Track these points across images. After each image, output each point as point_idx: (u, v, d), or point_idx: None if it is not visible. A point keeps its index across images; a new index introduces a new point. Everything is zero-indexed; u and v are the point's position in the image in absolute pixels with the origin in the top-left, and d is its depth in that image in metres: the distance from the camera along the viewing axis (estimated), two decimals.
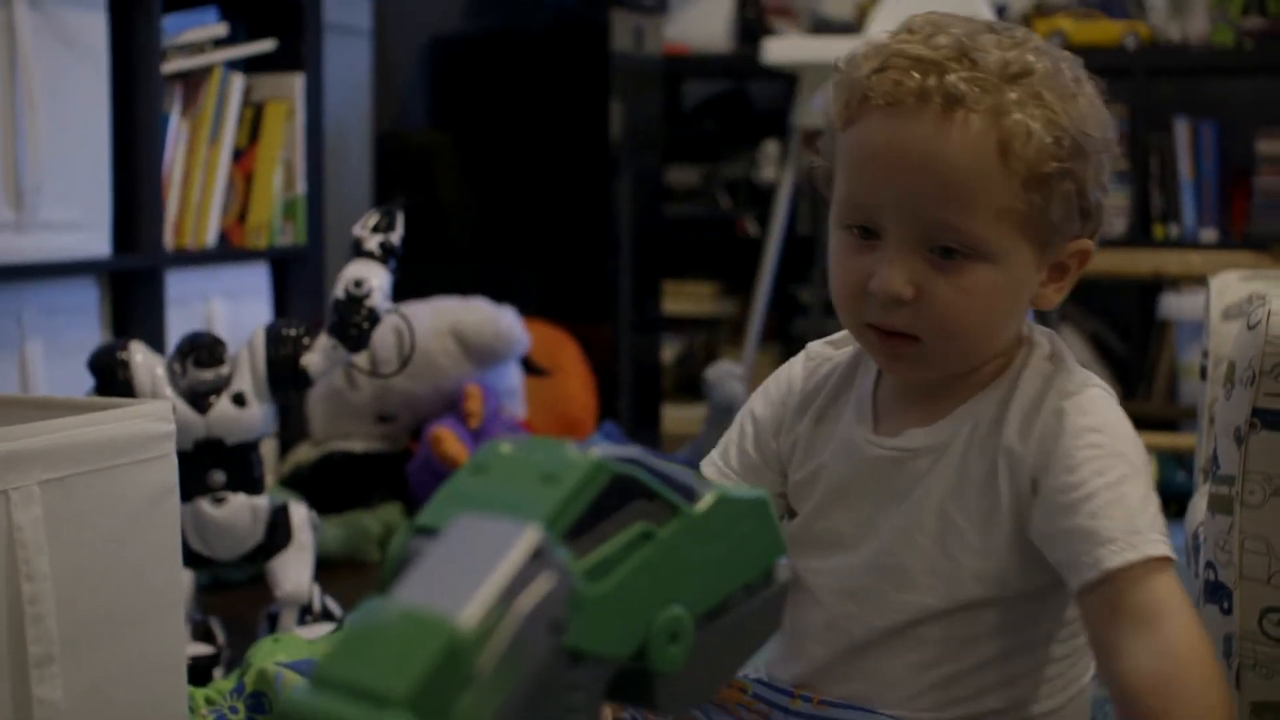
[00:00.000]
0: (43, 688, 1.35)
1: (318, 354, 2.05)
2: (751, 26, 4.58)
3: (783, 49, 3.81)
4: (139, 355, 2.01)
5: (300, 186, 3.06)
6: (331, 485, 2.89)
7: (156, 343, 2.57)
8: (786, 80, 4.04)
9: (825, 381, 1.37)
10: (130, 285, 2.69)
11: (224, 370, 2.02)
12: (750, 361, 3.80)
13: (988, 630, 1.29)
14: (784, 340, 4.63)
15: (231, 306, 2.95)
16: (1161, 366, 4.22)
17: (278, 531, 2.07)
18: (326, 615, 2.08)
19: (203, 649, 1.99)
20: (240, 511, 2.03)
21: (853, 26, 4.30)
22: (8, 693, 1.33)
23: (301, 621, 2.05)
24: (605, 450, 0.75)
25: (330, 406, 3.00)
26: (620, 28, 3.71)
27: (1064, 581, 1.26)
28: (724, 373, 3.23)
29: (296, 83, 3.04)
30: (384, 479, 2.91)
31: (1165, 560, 1.20)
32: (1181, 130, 4.20)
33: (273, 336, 2.06)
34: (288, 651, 1.69)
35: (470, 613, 0.62)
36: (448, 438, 2.79)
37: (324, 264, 3.16)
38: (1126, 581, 1.20)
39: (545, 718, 0.73)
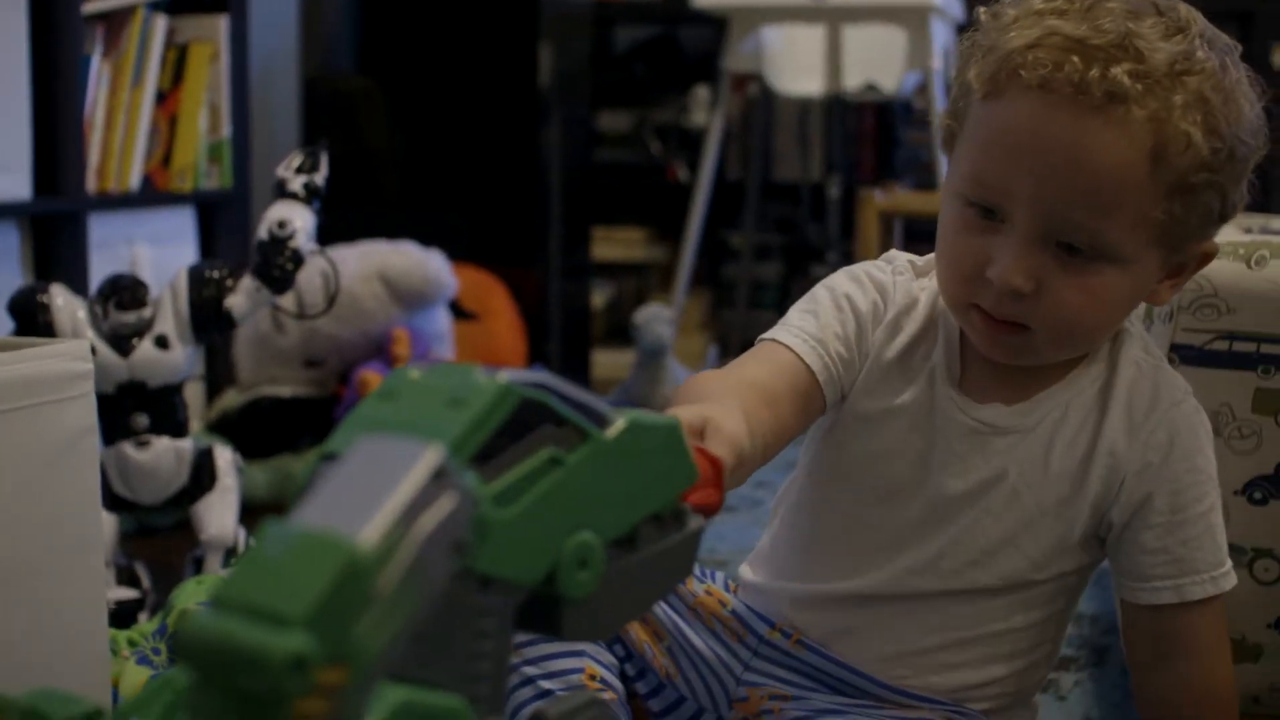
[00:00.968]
0: None
1: (241, 296, 2.03)
2: None
3: None
4: (60, 298, 1.98)
5: (226, 129, 3.03)
6: (259, 430, 2.87)
7: (80, 287, 2.54)
8: (716, 24, 4.02)
9: (910, 311, 1.30)
10: (52, 229, 2.66)
11: (146, 313, 2.00)
12: (680, 306, 3.81)
13: (1004, 608, 1.31)
14: (714, 285, 4.63)
15: (157, 250, 2.92)
16: None
17: (202, 475, 2.06)
18: None
19: (127, 593, 1.97)
20: (164, 455, 2.01)
21: None
22: None
23: (226, 565, 2.04)
24: (513, 375, 0.75)
25: (257, 351, 2.98)
26: None
27: (1115, 580, 1.30)
28: (652, 316, 3.23)
29: (221, 24, 3.00)
30: (312, 424, 2.89)
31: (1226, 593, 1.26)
32: None
33: (195, 278, 2.04)
34: (211, 593, 1.68)
35: (369, 533, 0.62)
36: (375, 381, 2.78)
37: (251, 208, 3.13)
38: (1192, 610, 1.26)
39: (455, 643, 0.73)
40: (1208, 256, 1.25)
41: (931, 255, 1.33)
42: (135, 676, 1.55)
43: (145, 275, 2.38)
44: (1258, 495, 1.54)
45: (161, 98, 2.92)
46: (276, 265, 2.02)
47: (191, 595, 1.67)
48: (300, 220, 2.04)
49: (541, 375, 0.77)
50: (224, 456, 2.08)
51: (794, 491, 1.36)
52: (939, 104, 3.60)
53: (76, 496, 1.47)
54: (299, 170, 2.08)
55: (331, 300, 2.28)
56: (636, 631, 1.35)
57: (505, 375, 0.74)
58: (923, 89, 3.74)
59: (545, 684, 1.27)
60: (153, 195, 2.92)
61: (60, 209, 2.65)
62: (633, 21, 4.79)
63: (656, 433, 0.82)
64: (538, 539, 0.75)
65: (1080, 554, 1.30)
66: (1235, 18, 3.95)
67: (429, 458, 0.66)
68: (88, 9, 2.69)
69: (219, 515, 2.04)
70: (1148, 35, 1.14)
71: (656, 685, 1.35)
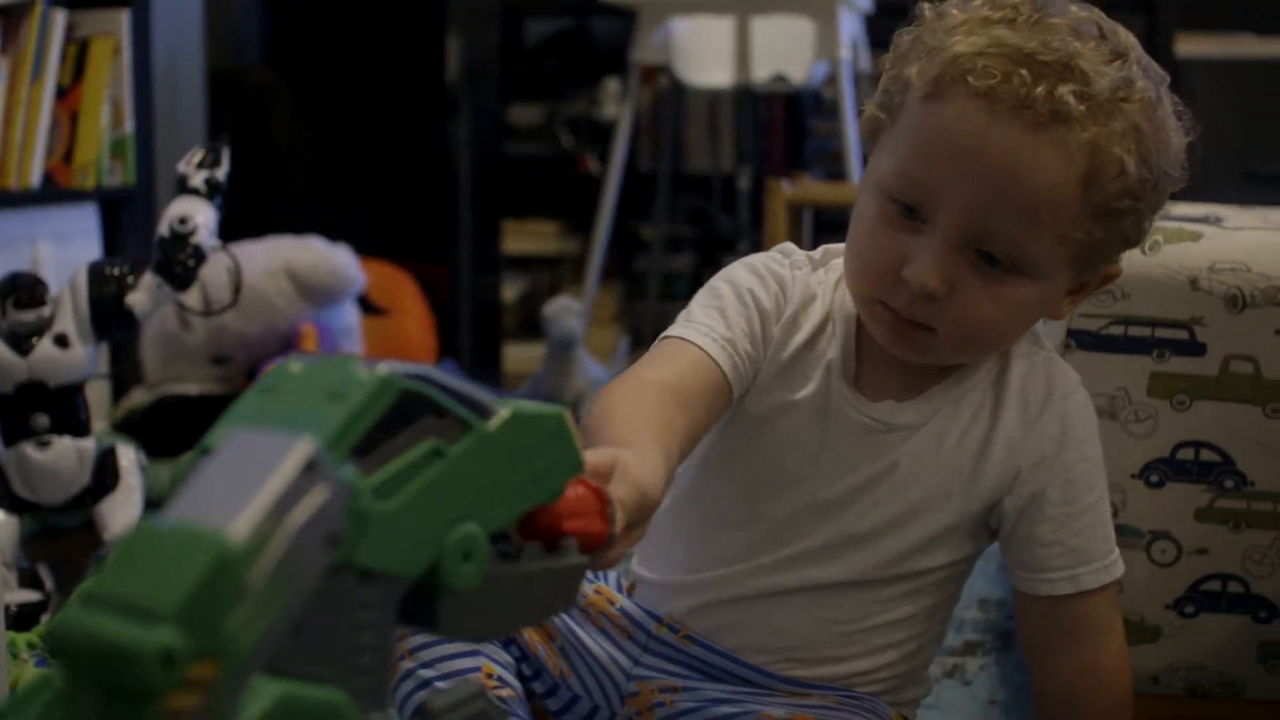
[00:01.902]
0: None
1: (143, 293, 2.02)
2: None
3: None
4: None
5: (129, 125, 3.00)
6: (166, 428, 2.85)
7: None
8: (627, 16, 4.02)
9: (808, 307, 1.29)
10: None
11: (45, 311, 1.98)
12: (591, 299, 3.81)
13: (891, 599, 1.32)
14: (626, 277, 4.64)
15: (60, 248, 2.89)
16: None
17: (105, 474, 2.04)
18: None
19: (29, 595, 1.95)
20: (66, 455, 1.99)
21: None
22: None
23: None
24: (394, 367, 0.74)
25: (163, 349, 2.95)
26: None
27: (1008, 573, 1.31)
28: (562, 308, 3.23)
29: (123, 19, 2.97)
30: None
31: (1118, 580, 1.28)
32: None
33: (95, 276, 2.02)
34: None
35: (239, 526, 0.62)
36: None
37: (155, 204, 3.10)
38: (1086, 598, 1.28)
39: (336, 636, 0.73)
40: (1110, 277, 1.27)
41: (828, 248, 1.34)
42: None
43: (48, 274, 2.35)
44: (1154, 478, 1.56)
45: (62, 93, 2.88)
46: (178, 262, 2.00)
47: None
48: (202, 216, 2.03)
49: (422, 367, 0.77)
50: (127, 456, 2.06)
51: (683, 484, 1.36)
52: (848, 94, 3.62)
53: None
54: (200, 165, 2.06)
55: (236, 293, 2.26)
56: (530, 633, 1.36)
57: (385, 367, 0.74)
58: (831, 79, 3.75)
59: (441, 685, 1.27)
60: (54, 192, 2.88)
61: None
62: (543, 14, 4.78)
63: (541, 423, 0.82)
64: (420, 531, 0.74)
65: (967, 545, 1.31)
66: (1138, 8, 4.00)
67: (300, 450, 0.66)
68: None
69: (123, 514, 2.02)
70: (1091, 58, 1.14)
71: (552, 685, 1.36)
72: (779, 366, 1.28)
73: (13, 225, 2.77)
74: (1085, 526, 1.27)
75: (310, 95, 3.70)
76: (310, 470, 0.66)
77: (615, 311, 4.60)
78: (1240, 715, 1.62)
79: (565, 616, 1.37)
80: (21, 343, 1.96)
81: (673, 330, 1.26)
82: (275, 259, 2.91)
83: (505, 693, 1.30)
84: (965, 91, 1.14)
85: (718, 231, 4.49)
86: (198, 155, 2.08)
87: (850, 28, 3.70)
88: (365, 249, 3.17)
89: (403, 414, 0.75)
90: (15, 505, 1.95)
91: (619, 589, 1.40)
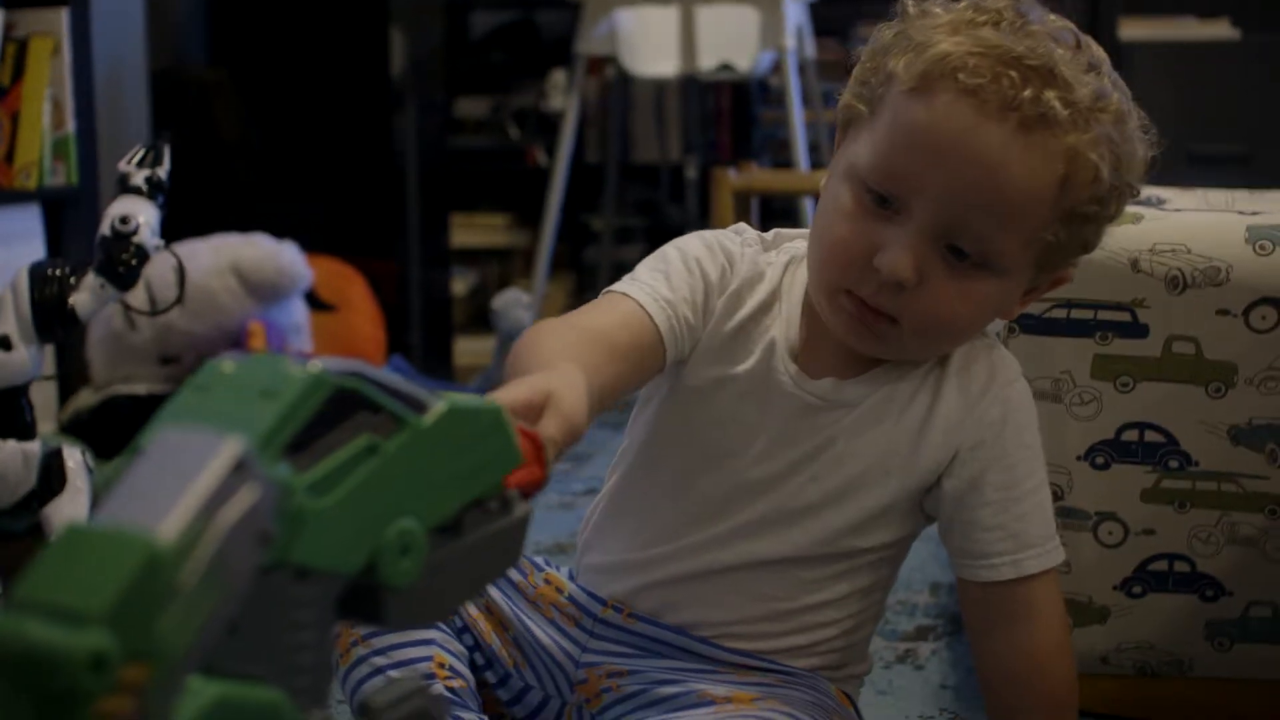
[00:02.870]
0: None
1: (86, 293, 2.00)
2: None
3: None
4: None
5: (70, 125, 2.97)
6: (114, 429, 2.82)
7: None
8: (573, 8, 4.02)
9: (755, 285, 1.30)
10: None
11: None
12: (541, 291, 3.80)
13: (827, 578, 1.33)
14: (577, 269, 4.63)
15: (2, 250, 2.86)
16: None
17: (51, 477, 2.02)
18: None
19: None
20: (10, 458, 1.97)
21: None
22: None
23: None
24: (327, 364, 0.74)
25: (111, 350, 2.93)
26: None
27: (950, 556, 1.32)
28: (511, 301, 3.22)
29: (62, 18, 2.94)
30: None
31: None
32: None
33: (37, 277, 2.00)
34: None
35: (168, 527, 0.61)
36: None
37: (99, 204, 3.07)
38: (1028, 582, 1.29)
39: (273, 635, 0.72)
40: (1060, 281, 1.29)
41: (779, 231, 1.35)
42: None
43: None
44: (1099, 460, 1.57)
45: (1, 94, 2.86)
46: (120, 261, 1.99)
47: None
48: (144, 215, 2.01)
49: (356, 363, 0.76)
50: (74, 457, 2.05)
51: (625, 462, 1.37)
52: (794, 83, 3.62)
53: None
54: (141, 164, 2.04)
55: (181, 291, 2.24)
56: (483, 622, 1.36)
57: (318, 364, 0.74)
58: (777, 68, 3.75)
59: (394, 674, 1.27)
60: None
61: None
62: (489, 6, 4.76)
63: (477, 417, 0.81)
64: (356, 528, 0.74)
65: (903, 526, 1.32)
66: None
67: (228, 450, 0.65)
68: None
69: (70, 517, 2.01)
70: (1071, 66, 1.17)
71: (504, 675, 1.36)
72: (719, 340, 1.29)
73: None
74: (1026, 511, 1.28)
75: (254, 92, 3.68)
76: (239, 469, 0.65)
77: (566, 303, 4.60)
78: (1189, 693, 1.64)
79: (516, 608, 1.37)
80: None
81: (615, 286, 1.27)
82: (222, 257, 2.90)
83: (457, 683, 1.30)
84: (954, 88, 1.16)
85: (667, 221, 4.49)
86: (138, 154, 2.06)
87: (795, 16, 3.70)
88: (312, 245, 3.15)
89: (336, 411, 0.74)
90: None
91: (570, 578, 1.41)
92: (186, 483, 0.63)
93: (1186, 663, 1.62)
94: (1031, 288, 1.27)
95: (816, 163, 3.80)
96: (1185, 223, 1.54)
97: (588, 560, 1.40)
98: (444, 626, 1.34)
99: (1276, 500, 1.56)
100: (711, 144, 4.51)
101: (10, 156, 2.89)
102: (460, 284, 4.44)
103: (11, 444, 1.97)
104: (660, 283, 1.26)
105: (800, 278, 1.31)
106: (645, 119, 4.56)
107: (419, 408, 0.78)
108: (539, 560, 1.42)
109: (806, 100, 3.88)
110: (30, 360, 1.98)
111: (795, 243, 1.34)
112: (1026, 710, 1.31)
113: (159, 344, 2.91)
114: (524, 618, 1.37)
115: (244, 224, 3.09)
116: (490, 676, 1.37)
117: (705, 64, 3.67)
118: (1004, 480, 1.27)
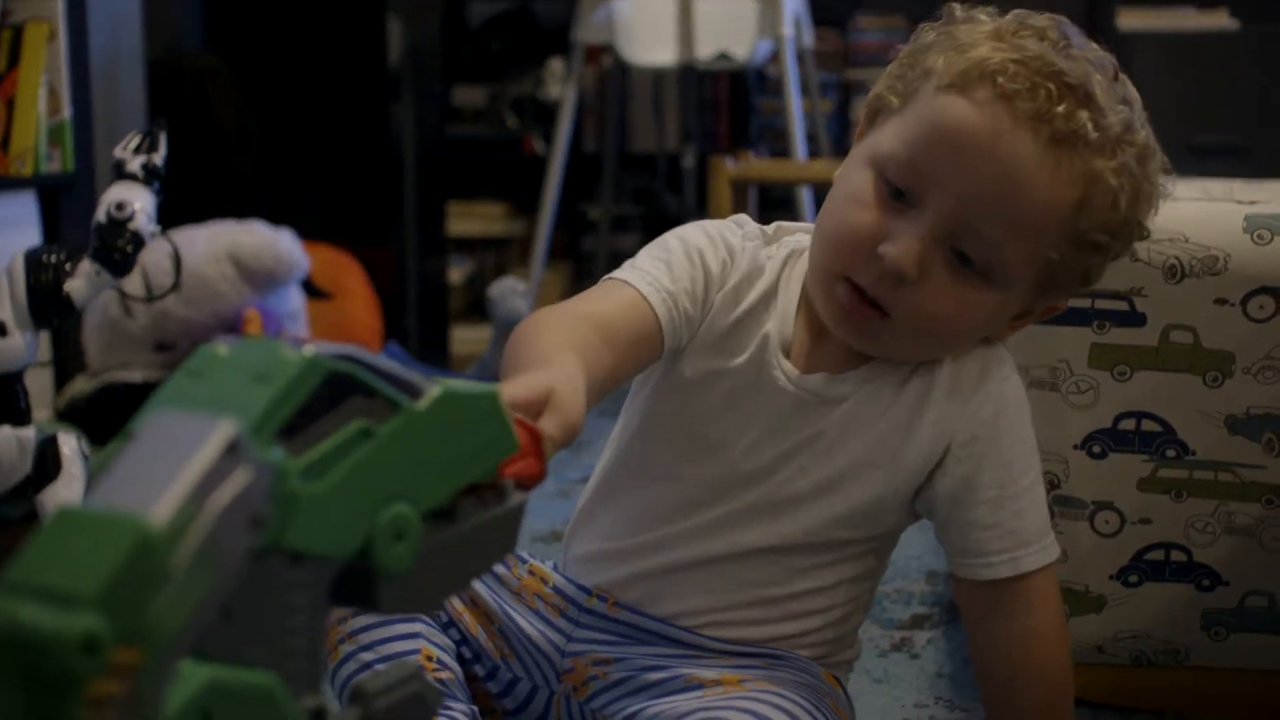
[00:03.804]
0: None
1: (81, 280, 1.99)
2: None
3: None
4: None
5: (66, 111, 2.96)
6: (110, 416, 2.82)
7: None
8: None
9: (754, 280, 1.30)
10: None
11: None
12: (538, 279, 3.80)
13: (814, 568, 1.32)
14: (574, 258, 4.63)
15: None
16: None
17: (47, 463, 2.02)
18: None
19: None
20: (6, 444, 1.97)
21: None
22: None
23: None
24: (321, 348, 0.74)
25: (107, 337, 2.93)
26: None
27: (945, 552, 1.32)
28: (507, 289, 3.22)
29: (58, 3, 2.93)
30: None
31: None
32: None
33: (32, 263, 1.99)
34: None
35: (160, 510, 0.61)
36: None
37: (95, 191, 3.06)
38: (1025, 578, 1.28)
39: (267, 620, 0.72)
40: (1052, 310, 1.30)
41: (781, 224, 1.35)
42: None
43: None
44: (1096, 449, 1.57)
45: None
46: (116, 248, 1.98)
47: None
48: (139, 202, 2.00)
49: (350, 348, 0.76)
50: (69, 444, 2.04)
51: (614, 449, 1.37)
52: (792, 72, 3.62)
53: None
54: (137, 151, 2.04)
55: (177, 277, 2.24)
56: (468, 615, 1.36)
57: (312, 348, 0.73)
58: (775, 57, 3.75)
59: (381, 668, 1.26)
60: None
61: None
62: None
63: (474, 403, 0.81)
64: (350, 512, 0.74)
65: (892, 518, 1.32)
66: None
67: (221, 432, 0.65)
68: None
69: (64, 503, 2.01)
70: (1106, 94, 1.18)
71: (492, 667, 1.36)
72: (716, 334, 1.29)
73: None
74: (1022, 508, 1.28)
75: (251, 79, 3.67)
76: (232, 452, 0.65)
77: (563, 292, 4.59)
78: (1185, 682, 1.64)
79: (501, 600, 1.37)
80: None
81: (616, 273, 1.27)
82: (218, 244, 2.89)
83: (444, 675, 1.30)
84: (991, 91, 1.16)
85: (664, 211, 4.48)
86: (134, 140, 2.05)
87: (793, 5, 3.70)
88: (309, 233, 3.15)
89: (330, 395, 0.74)
90: None
91: (555, 569, 1.40)
92: (179, 465, 0.63)
93: (1183, 652, 1.62)
94: (1024, 312, 1.27)
95: (814, 152, 3.80)
96: (1183, 211, 1.54)
97: (575, 549, 1.40)
98: (430, 620, 1.34)
99: (1273, 490, 1.56)
100: (709, 133, 4.51)
101: (5, 143, 2.88)
102: (457, 272, 4.43)
103: (6, 430, 1.97)
104: (662, 272, 1.26)
105: (798, 273, 1.30)
106: (643, 108, 4.55)
107: (414, 392, 0.78)
108: (522, 553, 1.41)
109: (804, 90, 3.88)
110: (25, 346, 1.98)
111: (795, 236, 1.33)
112: (1022, 699, 1.31)
113: (155, 331, 2.90)
114: (509, 609, 1.37)
115: (240, 211, 3.08)
116: (478, 669, 1.37)
117: (703, 53, 3.66)
118: (999, 478, 1.27)
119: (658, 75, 4.41)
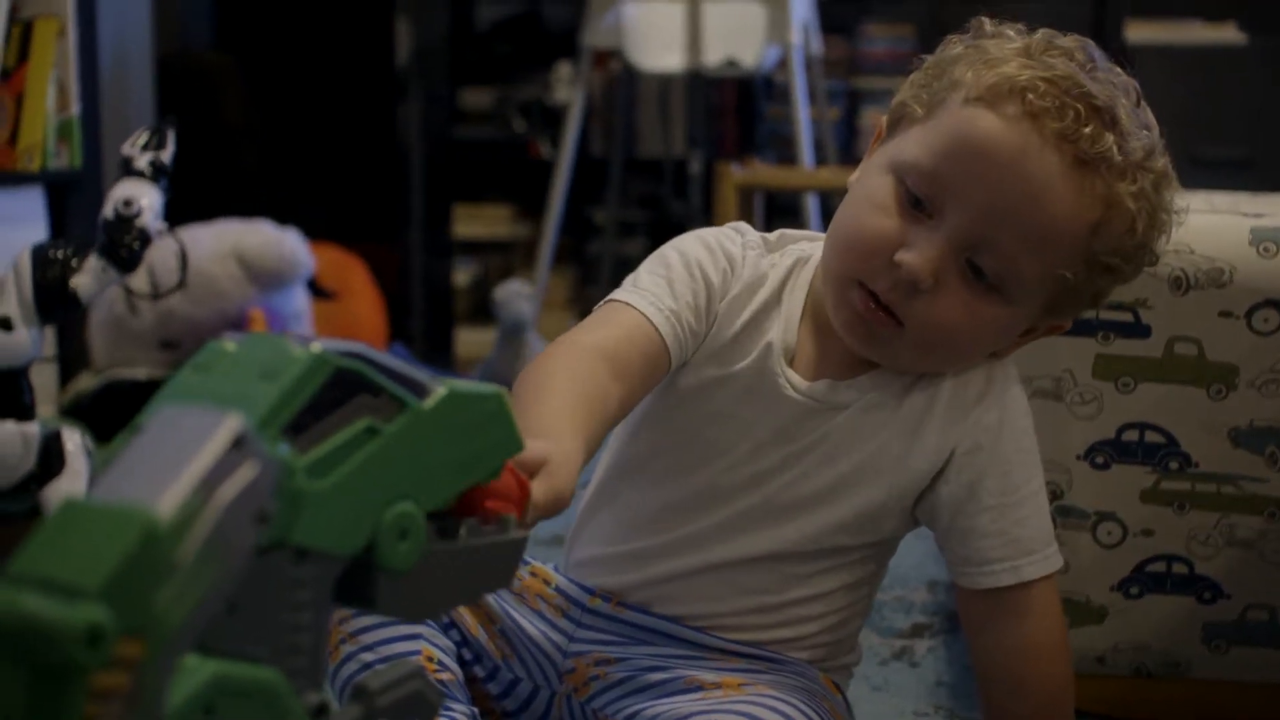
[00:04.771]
0: None
1: (87, 276, 2.00)
2: None
3: None
4: None
5: (75, 107, 2.97)
6: (114, 413, 2.82)
7: None
8: (578, 1, 4.02)
9: (756, 289, 1.29)
10: None
11: None
12: (543, 283, 3.80)
13: (814, 573, 1.32)
14: (579, 262, 4.63)
15: (5, 231, 2.85)
16: None
17: (51, 459, 2.02)
18: None
19: None
20: (9, 439, 1.97)
21: None
22: None
23: None
24: (328, 345, 0.74)
25: (112, 334, 2.93)
26: None
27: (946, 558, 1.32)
28: (512, 292, 3.22)
29: (68, 0, 2.94)
30: None
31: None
32: None
33: (39, 258, 1.99)
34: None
35: (166, 503, 0.61)
36: None
37: (103, 187, 3.06)
38: (1028, 587, 1.28)
39: (271, 615, 0.72)
40: (1056, 329, 1.30)
41: (785, 232, 1.34)
42: None
43: None
44: (1099, 460, 1.57)
45: (6, 75, 2.85)
46: (123, 245, 1.98)
47: None
48: (147, 199, 2.01)
49: (357, 345, 0.76)
50: (73, 439, 2.04)
51: (612, 455, 1.37)
52: (799, 78, 3.62)
53: None
54: (145, 148, 2.04)
55: (183, 275, 2.24)
56: (469, 616, 1.36)
57: (319, 345, 0.73)
58: (783, 63, 3.75)
59: (381, 668, 1.26)
60: None
61: None
62: None
63: (480, 403, 0.81)
64: (355, 509, 0.74)
65: (892, 524, 1.32)
66: None
67: (227, 426, 0.65)
68: None
69: None
70: (1129, 120, 1.19)
71: (493, 669, 1.36)
72: (719, 344, 1.29)
73: None
74: (1025, 516, 1.28)
75: (260, 79, 3.67)
76: (238, 446, 0.65)
77: (567, 296, 4.60)
78: (1185, 695, 1.63)
79: (503, 601, 1.37)
80: None
81: (618, 294, 1.26)
82: (224, 242, 2.90)
83: (445, 676, 1.30)
84: (1019, 108, 1.16)
85: (670, 216, 4.48)
86: (142, 137, 2.05)
87: (801, 12, 3.70)
88: (315, 233, 3.15)
89: (337, 392, 0.74)
90: None
91: (556, 571, 1.40)
92: (185, 458, 0.63)
93: (1183, 664, 1.62)
94: (1030, 329, 1.27)
95: (820, 160, 3.80)
96: (1189, 224, 1.53)
97: (576, 553, 1.40)
98: (430, 622, 1.33)
99: (1276, 503, 1.55)
100: (716, 139, 4.51)
101: (14, 138, 2.88)
102: (463, 275, 4.43)
103: (11, 425, 1.97)
104: (663, 290, 1.25)
105: (802, 281, 1.30)
106: (650, 113, 4.55)
107: (420, 391, 0.78)
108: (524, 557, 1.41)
109: (811, 97, 3.88)
110: (31, 342, 1.98)
111: (800, 245, 1.33)
112: (1021, 709, 1.31)
113: (160, 328, 2.91)
114: (510, 610, 1.37)
115: (247, 210, 3.08)
116: (479, 671, 1.37)
117: (711, 59, 3.67)
118: (1002, 486, 1.27)
119: (665, 81, 4.41)
